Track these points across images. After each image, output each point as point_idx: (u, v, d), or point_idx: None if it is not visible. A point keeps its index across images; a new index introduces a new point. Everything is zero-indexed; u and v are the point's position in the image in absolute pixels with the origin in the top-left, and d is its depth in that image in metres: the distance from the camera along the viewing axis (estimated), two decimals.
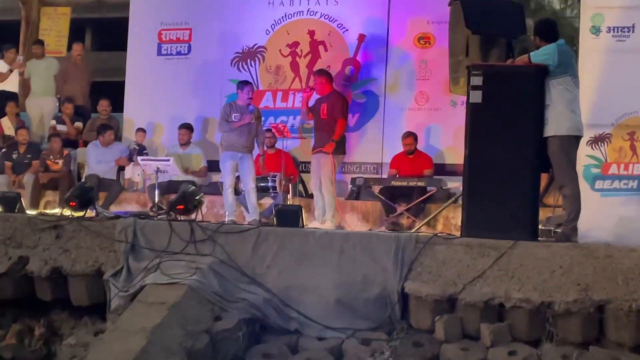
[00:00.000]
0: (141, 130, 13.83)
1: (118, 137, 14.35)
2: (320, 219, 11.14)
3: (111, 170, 13.11)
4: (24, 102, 15.54)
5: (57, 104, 15.24)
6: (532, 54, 8.73)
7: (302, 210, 9.75)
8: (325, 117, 11.30)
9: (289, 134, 12.07)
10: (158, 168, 11.59)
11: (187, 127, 12.99)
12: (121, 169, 13.43)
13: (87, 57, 16.75)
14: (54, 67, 15.31)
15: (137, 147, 13.48)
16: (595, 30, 10.37)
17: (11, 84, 15.44)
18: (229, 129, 11.39)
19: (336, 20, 13.54)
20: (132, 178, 13.38)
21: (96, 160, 13.01)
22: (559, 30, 9.05)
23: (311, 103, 11.64)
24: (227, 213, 11.40)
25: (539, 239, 8.73)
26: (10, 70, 15.23)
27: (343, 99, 11.65)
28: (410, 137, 12.16)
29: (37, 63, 15.27)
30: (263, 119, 12.04)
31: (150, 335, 7.72)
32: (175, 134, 13.04)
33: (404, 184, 11.65)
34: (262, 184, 11.71)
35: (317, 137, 11.37)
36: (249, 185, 11.40)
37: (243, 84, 11.76)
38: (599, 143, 10.30)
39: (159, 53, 14.43)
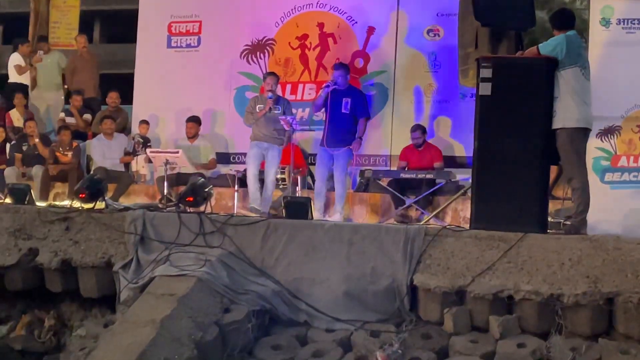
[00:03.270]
0: (144, 122, 13.86)
1: (127, 129, 14.38)
2: (321, 211, 11.13)
3: (117, 163, 13.12)
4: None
5: (63, 97, 15.30)
6: (540, 45, 8.71)
7: (311, 203, 9.76)
8: (347, 112, 11.30)
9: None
10: (167, 160, 11.61)
11: (195, 120, 13.00)
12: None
13: (96, 49, 16.78)
14: (59, 60, 15.40)
15: (141, 140, 13.50)
16: (605, 22, 10.34)
17: (24, 77, 15.47)
18: (254, 119, 11.47)
19: (345, 12, 13.53)
20: (138, 171, 13.39)
21: (101, 153, 13.04)
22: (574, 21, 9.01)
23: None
24: (251, 200, 11.43)
25: (548, 231, 8.71)
26: (31, 65, 15.29)
27: (365, 96, 11.75)
28: (418, 130, 12.14)
29: (43, 57, 15.31)
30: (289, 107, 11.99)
31: (159, 326, 7.74)
32: (183, 127, 13.05)
33: (413, 176, 11.64)
34: None
35: (333, 130, 11.32)
36: (269, 177, 11.45)
37: (266, 74, 11.94)
38: (609, 135, 10.28)
39: (169, 45, 14.43)
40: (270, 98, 11.54)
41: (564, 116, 8.51)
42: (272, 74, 12.08)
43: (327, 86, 11.34)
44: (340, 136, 11.23)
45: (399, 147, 12.57)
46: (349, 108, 11.30)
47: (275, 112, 11.54)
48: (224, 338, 8.08)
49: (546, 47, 8.63)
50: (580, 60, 8.64)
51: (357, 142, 11.33)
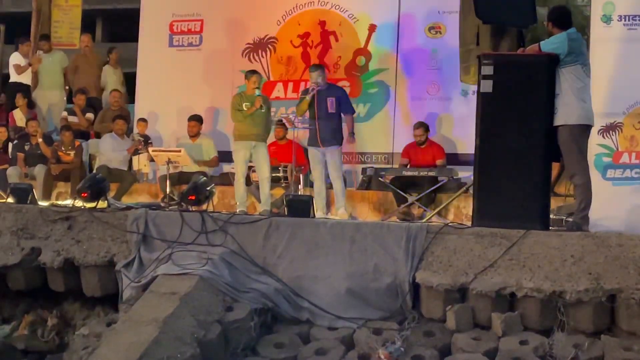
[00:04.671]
0: (143, 120, 13.85)
1: (129, 128, 14.40)
2: (324, 210, 11.16)
3: (124, 161, 13.15)
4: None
5: (65, 97, 15.30)
6: (542, 43, 8.69)
7: (312, 201, 9.77)
8: (334, 111, 11.34)
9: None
10: (169, 159, 11.63)
11: (196, 119, 13.03)
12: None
13: (98, 48, 16.79)
14: (61, 59, 15.42)
15: (142, 138, 13.51)
16: (607, 19, 10.33)
17: (25, 77, 15.49)
18: (243, 117, 11.42)
19: (347, 10, 13.55)
20: (141, 169, 13.37)
21: (111, 148, 13.06)
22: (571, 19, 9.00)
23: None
24: (237, 204, 11.42)
25: (550, 228, 8.71)
26: (29, 64, 15.30)
27: (346, 93, 11.84)
28: (421, 127, 12.15)
29: (45, 56, 15.34)
30: (274, 109, 11.99)
31: (162, 325, 7.74)
32: (185, 125, 13.07)
33: (415, 173, 11.66)
34: (273, 174, 11.72)
35: (322, 130, 11.30)
36: (263, 175, 11.42)
37: (250, 73, 11.80)
38: (610, 132, 10.28)
39: (171, 44, 14.45)
40: (258, 95, 11.49)
41: (566, 113, 8.50)
42: (256, 72, 11.99)
43: (312, 90, 11.35)
44: (331, 134, 11.30)
45: (401, 145, 12.61)
46: (335, 107, 11.34)
47: (262, 110, 11.50)
48: (227, 336, 8.08)
49: (548, 45, 8.61)
50: (582, 57, 8.62)
51: (351, 138, 11.46)
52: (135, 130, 13.92)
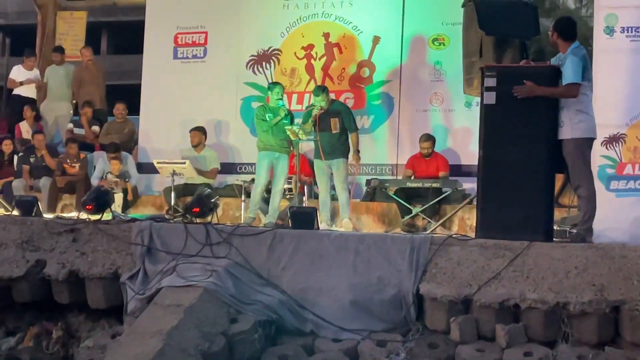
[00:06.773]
0: (115, 158, 13.17)
1: (134, 140, 14.43)
2: (329, 222, 11.18)
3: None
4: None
5: (71, 110, 15.34)
6: (570, 77, 8.54)
7: (317, 212, 9.78)
8: (337, 132, 11.39)
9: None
10: (174, 171, 11.65)
11: (197, 129, 13.05)
12: None
13: (103, 60, 16.86)
14: (70, 72, 15.46)
15: (117, 179, 12.93)
16: (609, 31, 10.35)
17: (29, 90, 15.56)
18: (267, 127, 11.46)
19: (351, 22, 13.56)
20: (109, 179, 12.81)
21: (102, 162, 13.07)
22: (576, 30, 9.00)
23: None
24: (249, 209, 11.43)
25: (554, 239, 8.71)
26: (21, 83, 15.39)
27: (350, 110, 11.91)
28: (429, 140, 12.12)
29: (57, 69, 15.42)
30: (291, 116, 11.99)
31: (166, 337, 7.75)
32: (189, 137, 13.10)
33: (419, 185, 11.67)
34: None
35: (326, 146, 11.38)
36: (278, 186, 11.46)
37: (273, 84, 11.91)
38: (614, 143, 10.29)
39: (175, 56, 14.46)
40: (282, 105, 11.56)
41: (572, 126, 8.50)
42: (279, 83, 12.06)
43: (315, 115, 11.42)
44: (334, 149, 11.40)
45: (405, 156, 12.61)
46: (339, 127, 11.39)
47: (285, 121, 11.55)
48: (231, 348, 8.09)
49: (579, 73, 8.52)
50: (587, 72, 8.62)
51: (356, 157, 11.54)
52: (146, 142, 13.78)
